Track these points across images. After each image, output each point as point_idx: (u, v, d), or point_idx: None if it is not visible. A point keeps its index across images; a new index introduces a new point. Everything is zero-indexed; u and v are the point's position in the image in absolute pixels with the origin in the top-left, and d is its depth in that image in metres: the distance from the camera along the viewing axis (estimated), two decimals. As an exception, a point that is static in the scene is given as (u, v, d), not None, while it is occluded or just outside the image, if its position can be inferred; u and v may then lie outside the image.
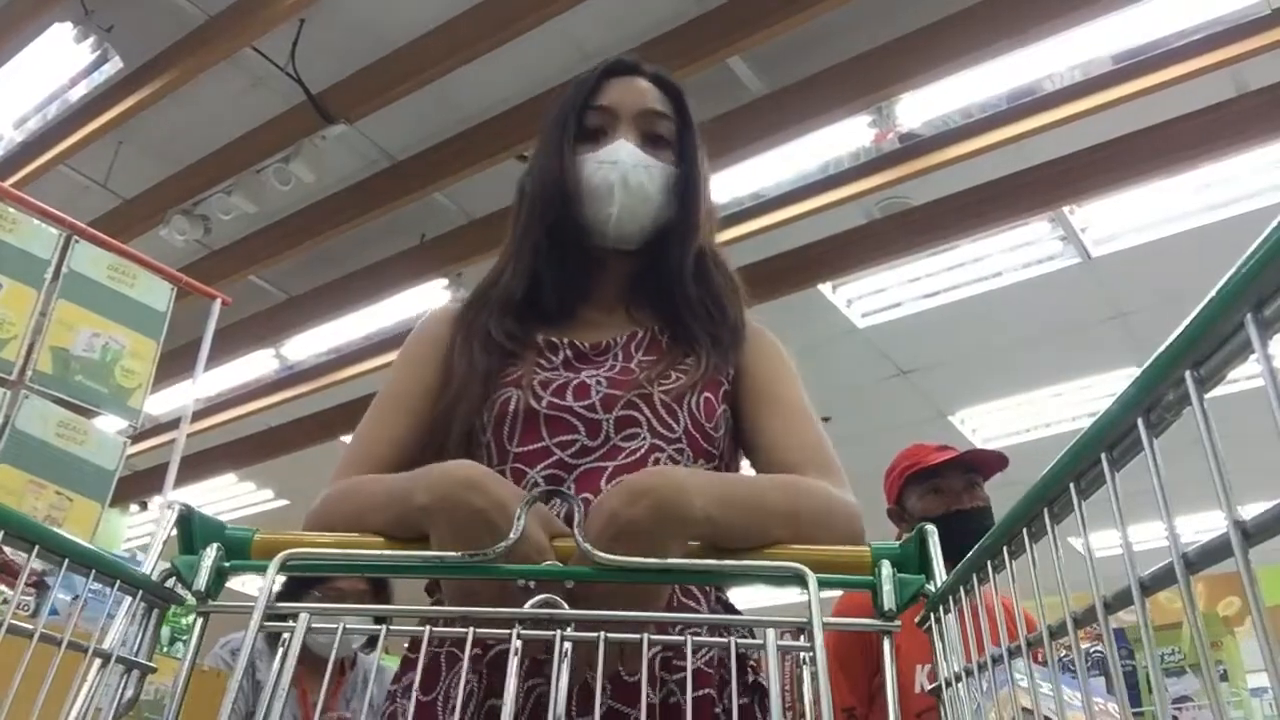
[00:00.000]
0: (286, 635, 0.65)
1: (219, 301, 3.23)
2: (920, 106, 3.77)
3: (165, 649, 2.58)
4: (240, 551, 0.73)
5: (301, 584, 2.21)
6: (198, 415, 6.16)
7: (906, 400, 5.77)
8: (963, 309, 4.97)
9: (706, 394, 1.04)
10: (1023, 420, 5.94)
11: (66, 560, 0.63)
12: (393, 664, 1.08)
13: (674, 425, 1.01)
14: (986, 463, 2.40)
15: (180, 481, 7.15)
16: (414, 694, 0.91)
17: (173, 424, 3.78)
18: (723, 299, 1.13)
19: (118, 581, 0.67)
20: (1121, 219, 4.38)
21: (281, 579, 0.68)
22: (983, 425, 6.05)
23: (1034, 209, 4.17)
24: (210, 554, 0.70)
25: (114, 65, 3.92)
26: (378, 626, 0.68)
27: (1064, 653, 0.49)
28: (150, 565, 0.71)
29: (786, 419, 1.05)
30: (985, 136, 3.79)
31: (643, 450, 0.99)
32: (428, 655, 0.90)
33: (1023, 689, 0.64)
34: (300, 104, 4.06)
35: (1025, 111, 3.69)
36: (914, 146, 3.93)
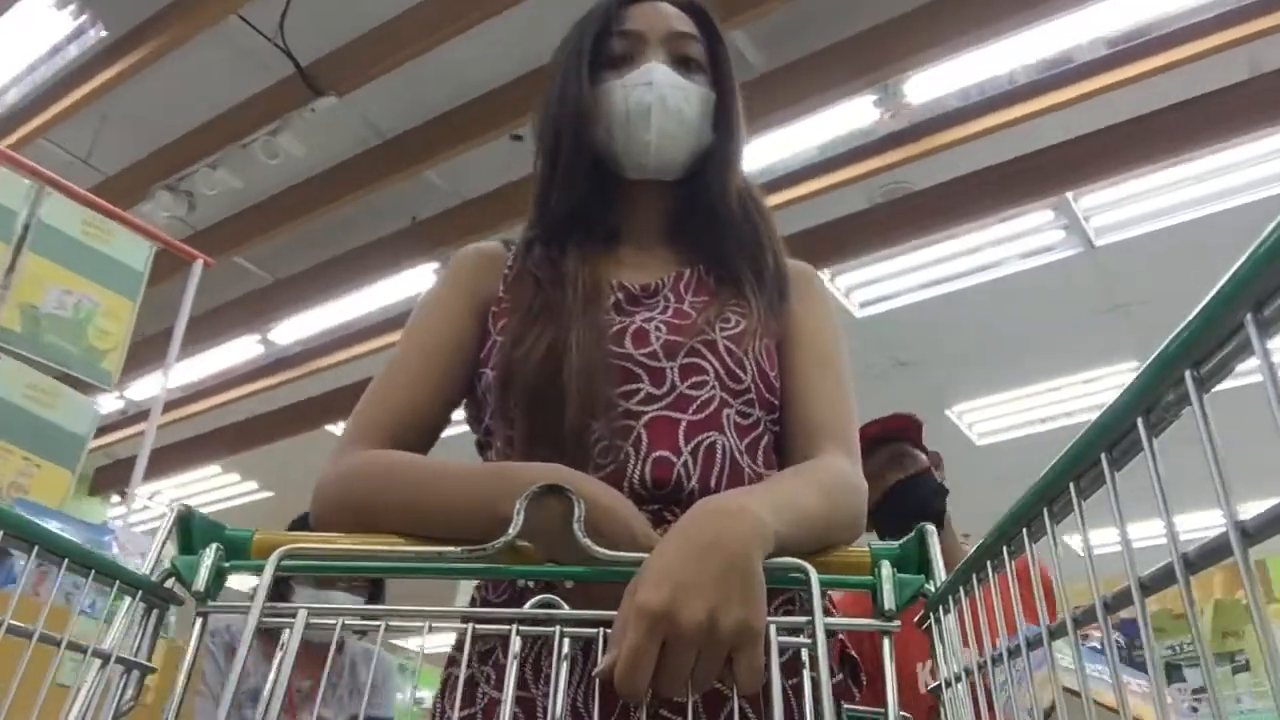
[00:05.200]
0: (285, 632, 0.66)
1: (200, 263, 3.08)
2: (926, 84, 3.70)
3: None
4: (240, 551, 0.74)
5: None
6: (180, 402, 6.03)
7: (904, 393, 5.67)
8: (962, 300, 4.90)
9: (768, 341, 1.00)
10: (1022, 414, 5.86)
11: (66, 560, 0.64)
12: (388, 656, 1.01)
13: (741, 375, 0.96)
14: (895, 430, 2.29)
15: (161, 473, 7.04)
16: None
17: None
18: (763, 239, 1.06)
19: (117, 582, 0.68)
20: (1126, 207, 4.31)
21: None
22: (981, 419, 5.97)
23: (1037, 195, 4.09)
24: (209, 554, 0.71)
25: (97, 33, 3.81)
26: (374, 622, 0.69)
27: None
28: (149, 565, 0.71)
29: (822, 373, 1.01)
30: (990, 118, 3.72)
31: (714, 404, 0.94)
32: (462, 673, 0.84)
33: (1064, 668, 0.59)
34: (289, 76, 3.95)
35: (1031, 92, 3.62)
36: (918, 127, 3.85)
